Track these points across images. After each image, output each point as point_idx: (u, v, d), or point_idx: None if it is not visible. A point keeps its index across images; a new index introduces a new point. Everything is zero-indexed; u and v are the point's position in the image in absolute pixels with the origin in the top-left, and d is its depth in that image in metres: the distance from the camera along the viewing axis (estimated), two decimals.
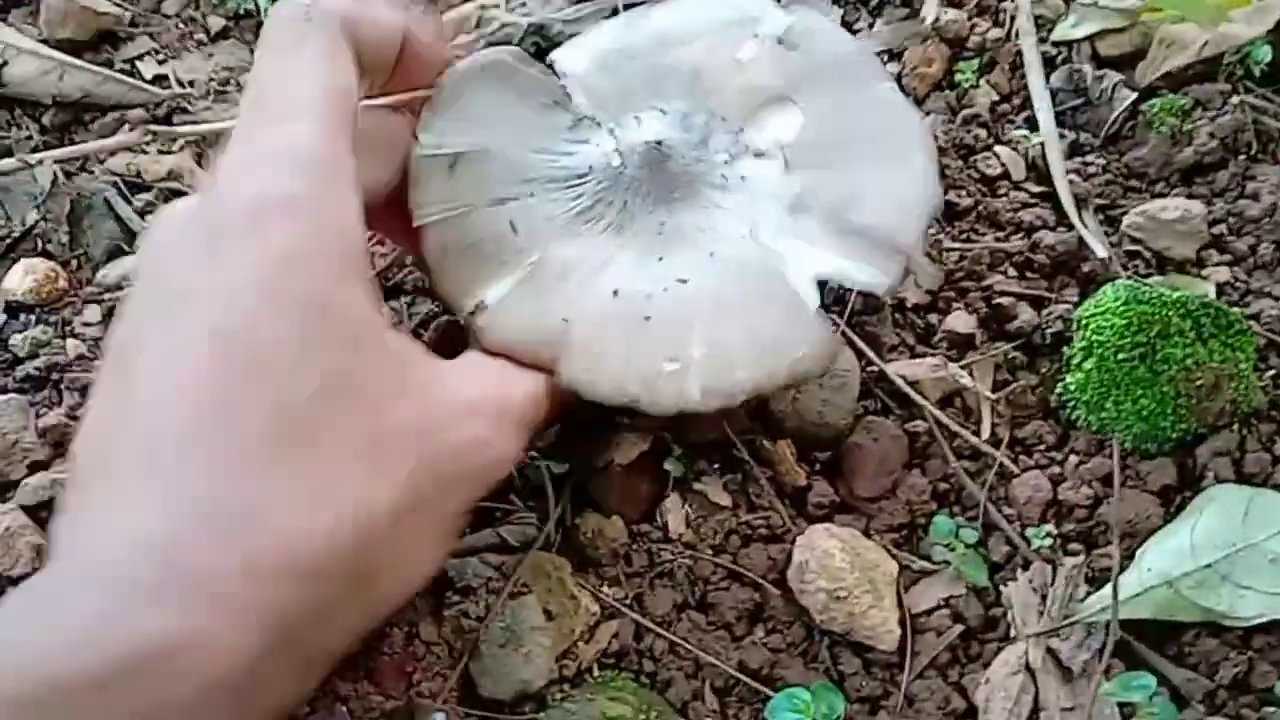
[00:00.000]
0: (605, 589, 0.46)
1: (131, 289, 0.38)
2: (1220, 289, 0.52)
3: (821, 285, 0.42)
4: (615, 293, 0.41)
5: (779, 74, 0.47)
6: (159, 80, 0.69)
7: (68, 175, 0.63)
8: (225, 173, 0.36)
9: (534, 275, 0.42)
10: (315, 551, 0.31)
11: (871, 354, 0.51)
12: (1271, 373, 0.49)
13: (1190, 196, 0.56)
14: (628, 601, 0.45)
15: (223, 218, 0.35)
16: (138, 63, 0.70)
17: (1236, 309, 0.50)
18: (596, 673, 0.44)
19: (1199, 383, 0.47)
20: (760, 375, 0.40)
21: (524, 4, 0.67)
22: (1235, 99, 0.58)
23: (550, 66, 0.48)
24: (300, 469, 0.32)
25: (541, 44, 0.67)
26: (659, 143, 0.44)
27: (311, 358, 0.33)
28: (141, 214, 0.62)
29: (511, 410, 0.40)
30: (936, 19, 0.63)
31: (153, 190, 0.63)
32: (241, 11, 0.72)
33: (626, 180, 0.44)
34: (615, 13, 0.67)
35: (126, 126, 0.65)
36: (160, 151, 0.64)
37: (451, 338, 0.49)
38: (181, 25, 0.73)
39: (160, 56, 0.71)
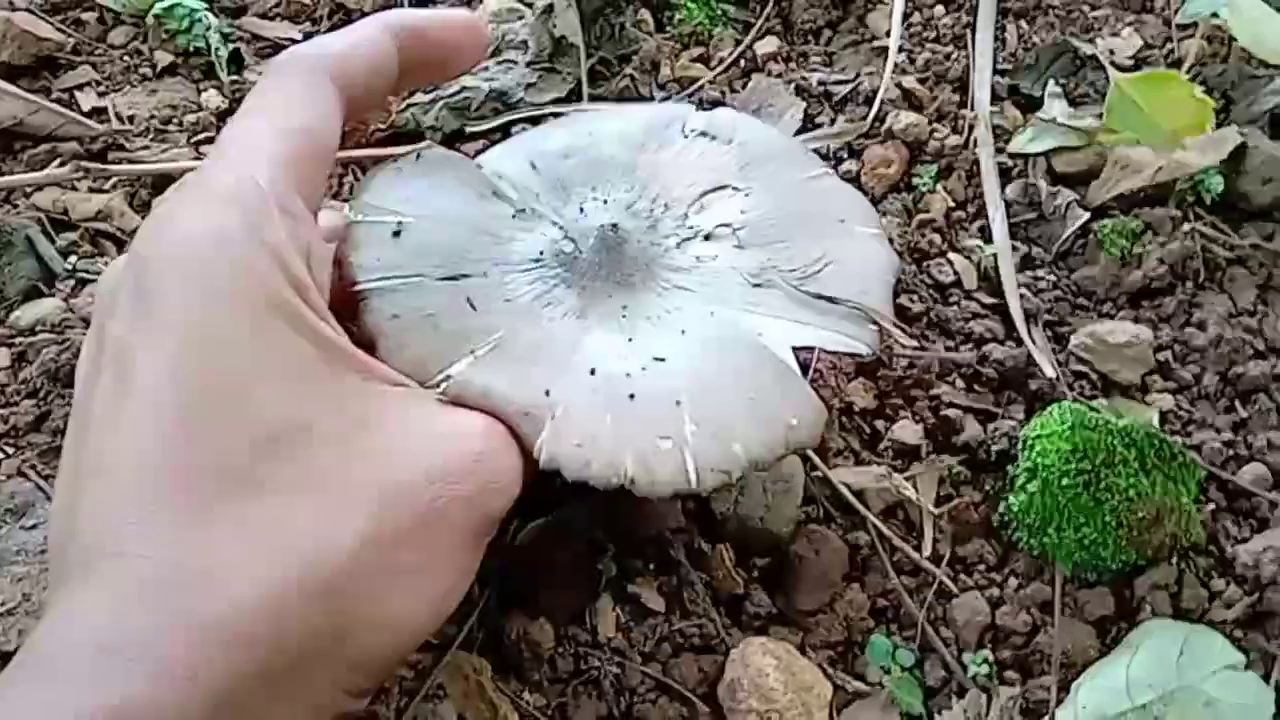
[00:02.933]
0: (526, 695, 0.43)
1: (86, 342, 0.36)
2: (1164, 417, 0.52)
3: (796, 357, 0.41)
4: (593, 371, 0.39)
5: (714, 165, 0.48)
6: (97, 113, 0.66)
7: None
8: (158, 212, 0.35)
9: (502, 349, 0.39)
10: (268, 610, 0.29)
11: (817, 459, 0.50)
12: (1211, 506, 0.49)
13: (1137, 320, 0.56)
14: (549, 711, 0.43)
15: (151, 259, 0.33)
16: (76, 93, 0.68)
17: (1179, 438, 0.50)
18: None
19: (1140, 514, 0.47)
20: (757, 448, 0.38)
21: (486, 68, 0.66)
22: (1186, 225, 0.58)
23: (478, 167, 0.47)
24: (249, 524, 0.30)
25: (500, 109, 0.66)
26: (614, 225, 0.43)
27: (249, 402, 0.32)
28: (64, 254, 0.59)
29: (504, 431, 0.36)
30: (882, 117, 0.64)
31: (79, 230, 0.60)
32: (191, 49, 0.70)
33: (583, 265, 0.43)
34: (578, 84, 0.67)
35: (57, 160, 0.62)
36: (91, 190, 0.62)
37: None
38: (127, 58, 0.70)
39: (101, 88, 0.68)
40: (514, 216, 0.45)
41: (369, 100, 0.42)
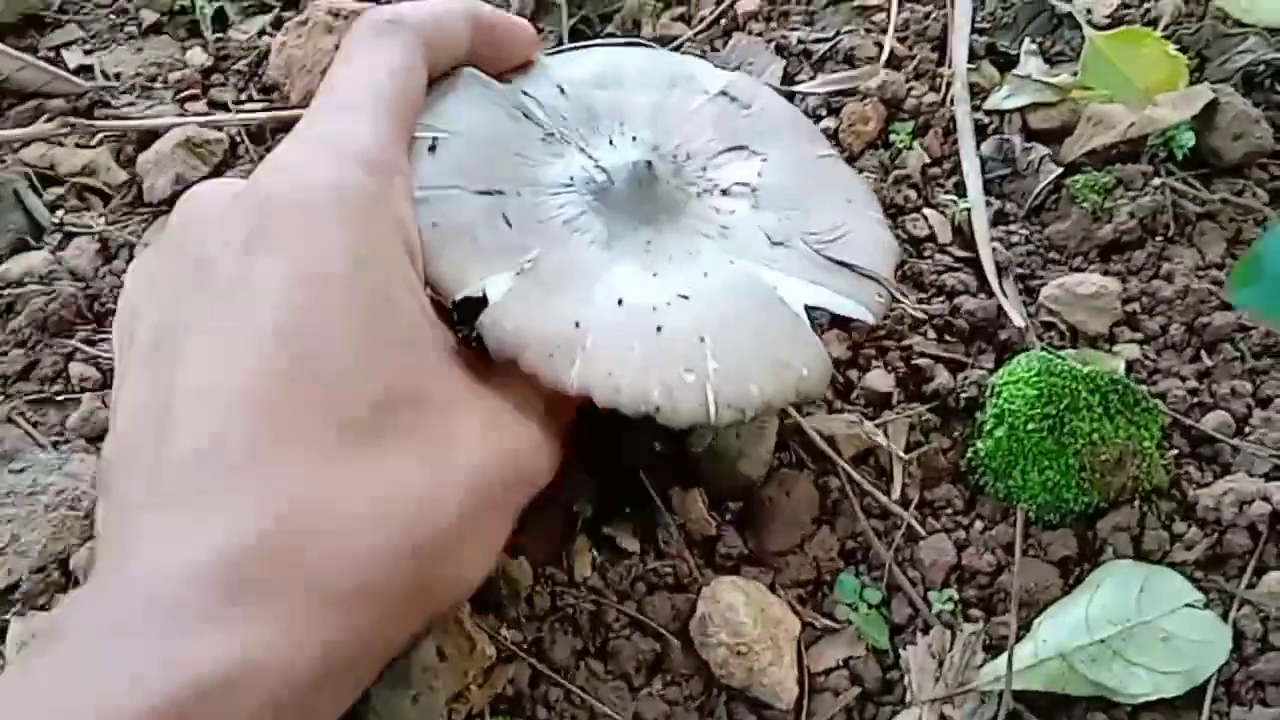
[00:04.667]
0: (504, 631, 0.45)
1: (160, 267, 0.36)
2: (1130, 366, 0.54)
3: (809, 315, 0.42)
4: (620, 302, 0.40)
5: (733, 126, 0.48)
6: (83, 71, 0.67)
7: None
8: (282, 155, 0.35)
9: (533, 274, 0.40)
10: (382, 568, 0.30)
11: (790, 407, 0.51)
12: (1174, 452, 0.50)
13: (1107, 273, 0.57)
14: (526, 645, 0.45)
15: (279, 201, 0.33)
16: (63, 51, 0.68)
17: (1144, 387, 0.51)
18: (489, 718, 0.43)
19: (1103, 457, 0.48)
20: (771, 391, 0.39)
21: None
22: (1156, 181, 0.59)
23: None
24: (365, 482, 0.31)
25: None
26: (649, 163, 0.44)
27: (373, 362, 0.32)
28: (51, 208, 0.60)
29: (552, 414, 0.39)
30: (870, 81, 0.65)
31: (65, 184, 0.61)
32: (176, 7, 0.71)
33: (614, 197, 0.43)
34: (560, 41, 0.67)
35: (45, 116, 0.63)
36: (78, 145, 0.62)
37: None
38: (112, 16, 0.71)
39: (87, 46, 0.69)
40: (543, 140, 0.45)
41: (435, 75, 0.43)
